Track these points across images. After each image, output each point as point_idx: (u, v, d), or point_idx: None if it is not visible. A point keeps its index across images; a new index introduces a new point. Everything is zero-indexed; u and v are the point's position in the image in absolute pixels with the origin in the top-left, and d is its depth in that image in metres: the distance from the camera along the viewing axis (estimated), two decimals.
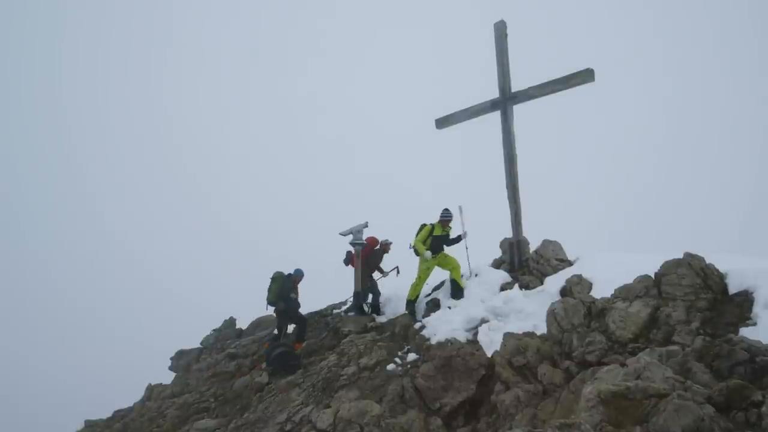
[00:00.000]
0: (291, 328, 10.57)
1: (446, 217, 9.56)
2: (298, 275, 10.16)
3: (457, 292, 8.96)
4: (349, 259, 10.50)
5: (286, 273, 9.98)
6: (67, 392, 32.66)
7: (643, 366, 3.88)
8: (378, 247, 10.70)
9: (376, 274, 10.67)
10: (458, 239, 9.63)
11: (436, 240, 9.39)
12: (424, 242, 9.34)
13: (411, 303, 9.41)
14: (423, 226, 9.53)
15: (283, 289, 9.76)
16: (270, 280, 9.94)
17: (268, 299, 9.85)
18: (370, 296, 10.41)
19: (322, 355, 8.79)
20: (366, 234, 10.66)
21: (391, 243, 10.78)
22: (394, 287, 10.33)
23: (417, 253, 9.42)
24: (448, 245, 9.61)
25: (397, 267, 10.70)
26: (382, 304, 10.24)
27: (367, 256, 10.43)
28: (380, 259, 10.69)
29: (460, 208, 9.60)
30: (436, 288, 9.93)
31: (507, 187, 9.77)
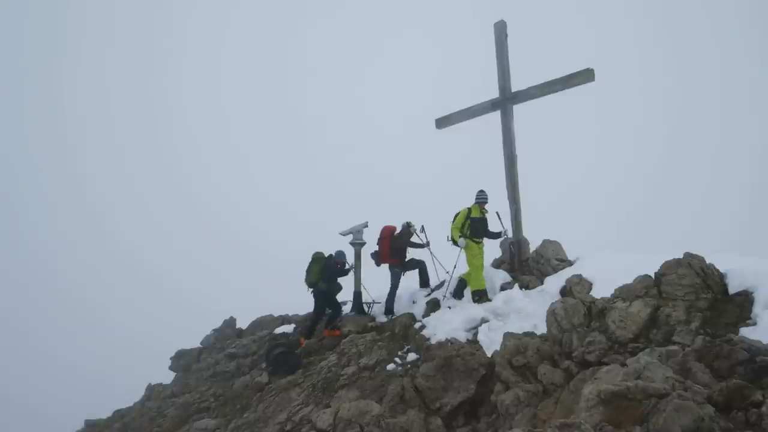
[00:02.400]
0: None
1: (482, 199, 9.11)
2: (341, 257, 10.05)
3: (459, 291, 8.95)
4: (377, 260, 10.01)
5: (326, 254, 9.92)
6: (67, 392, 32.63)
7: (643, 366, 3.88)
8: (397, 233, 9.98)
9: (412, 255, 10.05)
10: (498, 235, 9.33)
11: (474, 223, 8.90)
12: (461, 228, 8.83)
13: (478, 291, 8.51)
14: (458, 214, 9.05)
15: (326, 270, 9.68)
16: (311, 261, 9.83)
17: (308, 280, 9.72)
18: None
19: (322, 355, 8.79)
20: (366, 234, 10.63)
21: (412, 224, 9.95)
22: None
23: (456, 242, 8.93)
24: (487, 236, 9.15)
25: (421, 226, 10.04)
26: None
27: (389, 249, 9.80)
28: (405, 242, 9.90)
29: (498, 214, 9.40)
30: (436, 287, 9.92)
31: (507, 187, 9.77)
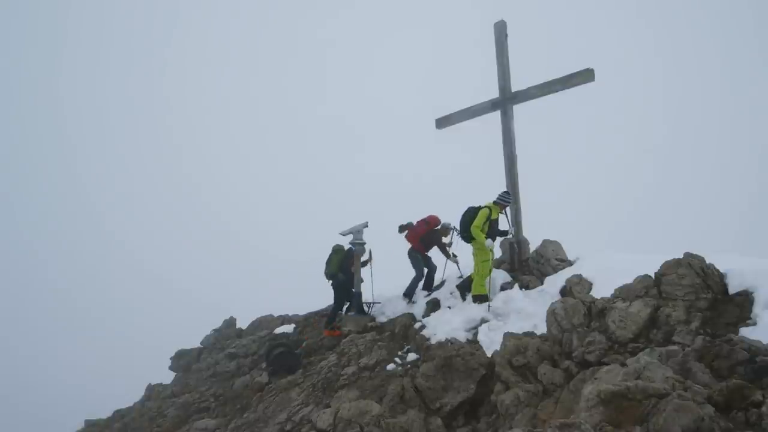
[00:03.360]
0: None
1: (506, 201, 8.74)
2: (359, 252, 10.22)
3: (465, 289, 8.90)
4: (406, 232, 10.01)
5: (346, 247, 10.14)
6: (67, 392, 32.64)
7: (643, 366, 3.88)
8: (438, 227, 10.03)
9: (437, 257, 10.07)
10: (505, 233, 9.20)
11: (493, 224, 8.56)
12: (482, 228, 8.35)
13: (479, 296, 8.33)
14: (472, 209, 8.60)
15: (345, 262, 9.92)
16: (331, 252, 10.06)
17: (328, 271, 9.91)
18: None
19: (322, 355, 8.79)
20: (366, 234, 10.63)
21: (451, 227, 9.91)
22: (394, 288, 10.32)
23: (468, 240, 8.54)
24: (497, 235, 8.93)
25: (452, 252, 10.00)
26: (381, 305, 10.21)
27: (421, 234, 9.89)
28: (438, 240, 9.92)
29: (506, 212, 9.17)
30: (436, 288, 9.93)
31: (507, 187, 9.77)
